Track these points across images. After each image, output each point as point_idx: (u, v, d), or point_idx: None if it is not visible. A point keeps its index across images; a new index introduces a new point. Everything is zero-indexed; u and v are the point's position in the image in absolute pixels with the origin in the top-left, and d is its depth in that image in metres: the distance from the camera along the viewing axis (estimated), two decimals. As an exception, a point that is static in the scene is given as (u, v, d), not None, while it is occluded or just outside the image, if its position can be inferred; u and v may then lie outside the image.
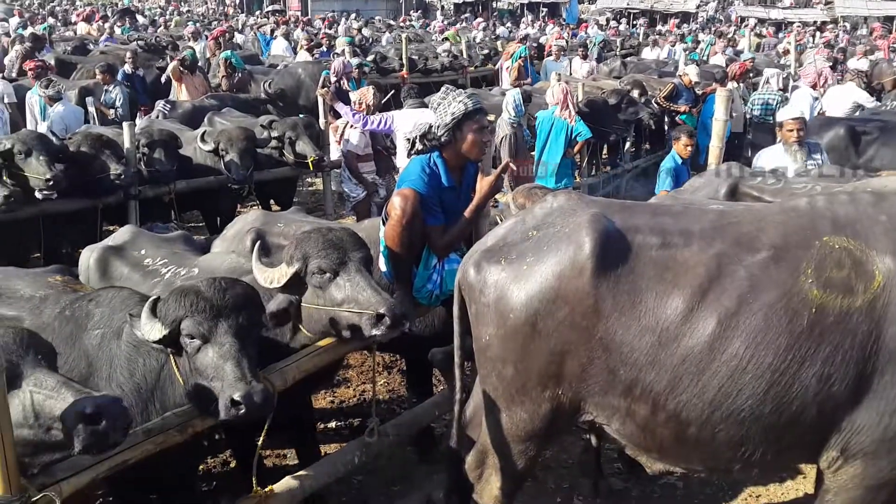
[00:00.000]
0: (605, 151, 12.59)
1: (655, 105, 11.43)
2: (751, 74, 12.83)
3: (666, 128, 11.78)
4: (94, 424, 2.45)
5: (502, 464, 3.39)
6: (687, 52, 15.98)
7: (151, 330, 3.21)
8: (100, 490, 4.26)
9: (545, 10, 42.38)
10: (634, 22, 38.05)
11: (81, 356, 3.56)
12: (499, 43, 20.50)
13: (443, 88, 4.41)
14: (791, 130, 6.39)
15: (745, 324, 2.83)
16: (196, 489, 4.63)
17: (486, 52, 18.10)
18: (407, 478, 4.98)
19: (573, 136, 8.94)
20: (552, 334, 3.01)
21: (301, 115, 9.36)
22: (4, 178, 6.38)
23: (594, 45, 20.75)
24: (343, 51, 14.69)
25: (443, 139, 4.24)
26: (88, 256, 4.84)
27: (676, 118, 11.43)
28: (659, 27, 32.59)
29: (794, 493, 4.61)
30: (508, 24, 33.79)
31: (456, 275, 3.48)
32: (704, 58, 17.80)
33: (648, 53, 19.79)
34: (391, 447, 4.74)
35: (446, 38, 19.90)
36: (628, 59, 18.25)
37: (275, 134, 8.36)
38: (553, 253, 3.03)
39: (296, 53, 17.44)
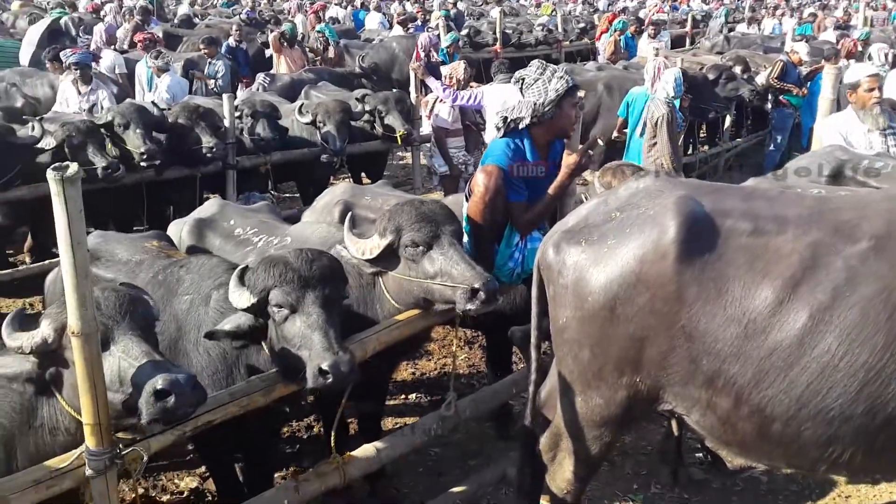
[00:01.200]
0: (703, 130, 12.14)
1: (763, 83, 10.85)
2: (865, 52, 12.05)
3: (769, 107, 11.22)
4: (163, 399, 2.55)
5: (576, 448, 3.34)
6: (794, 28, 15.11)
7: (240, 298, 3.31)
8: (188, 446, 4.49)
9: (646, -18, 40.89)
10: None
11: (171, 319, 3.72)
12: (596, 16, 19.99)
13: (536, 64, 4.33)
14: (870, 90, 5.60)
15: (840, 318, 2.67)
16: (279, 451, 4.80)
17: (581, 25, 17.68)
18: (483, 453, 5.02)
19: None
20: (631, 319, 2.93)
21: (394, 90, 9.42)
22: (108, 148, 6.70)
23: (719, 19, 19.73)
24: (437, 25, 14.65)
25: (548, 115, 4.21)
26: (178, 229, 5.02)
27: (780, 97, 10.87)
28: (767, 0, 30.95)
29: (888, 495, 4.38)
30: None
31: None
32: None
33: (744, 29, 18.78)
34: (468, 422, 4.77)
35: (552, 12, 19.25)
36: (732, 34, 17.45)
37: (367, 108, 8.46)
38: (636, 236, 2.94)
39: (391, 27, 17.54)
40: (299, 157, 8.18)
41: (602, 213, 3.14)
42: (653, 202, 3.02)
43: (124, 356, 2.68)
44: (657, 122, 8.14)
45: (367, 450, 3.88)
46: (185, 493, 4.66)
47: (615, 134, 9.49)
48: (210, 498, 4.57)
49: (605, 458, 3.53)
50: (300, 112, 8.17)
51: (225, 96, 7.64)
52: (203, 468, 4.68)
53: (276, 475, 4.38)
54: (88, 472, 2.65)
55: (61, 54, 9.62)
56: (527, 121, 4.21)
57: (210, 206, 5.25)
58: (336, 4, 22.77)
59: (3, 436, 2.83)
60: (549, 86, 4.16)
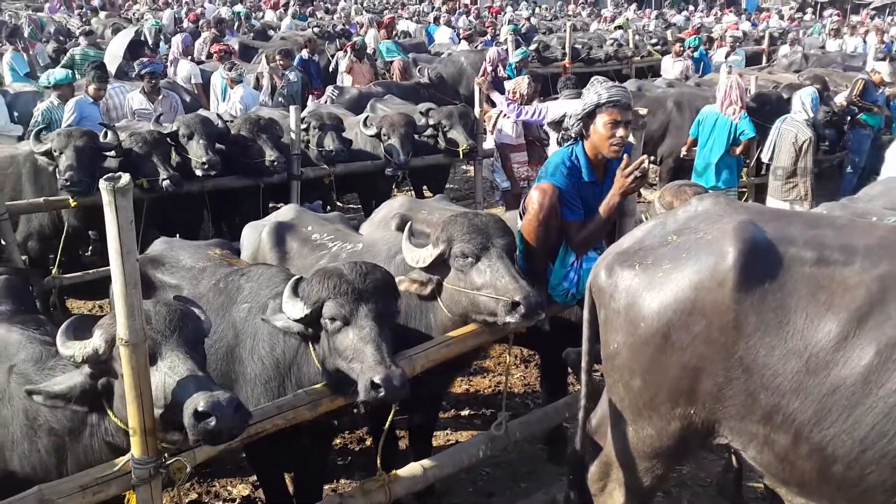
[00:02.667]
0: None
1: (843, 104, 10.38)
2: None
3: (846, 128, 10.75)
4: (205, 421, 2.51)
5: (626, 478, 3.23)
6: (877, 46, 14.49)
7: (293, 309, 3.32)
8: (242, 454, 4.54)
9: (723, -2, 40.03)
10: (823, 13, 35.11)
11: (229, 327, 3.77)
12: (669, 32, 19.62)
13: (592, 79, 4.26)
14: None
15: (910, 356, 2.51)
16: (329, 463, 4.81)
17: (653, 41, 17.38)
18: (534, 475, 4.92)
19: (737, 135, 8.30)
20: (686, 348, 2.81)
21: (459, 104, 9.42)
22: (173, 157, 6.87)
23: (815, 35, 19.06)
24: (506, 39, 14.64)
25: (573, 130, 4.12)
26: (252, 231, 5.13)
27: (858, 117, 10.40)
28: (851, 18, 29.90)
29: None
30: (685, 13, 32.28)
31: None
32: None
33: (786, 51, 18.04)
34: (520, 443, 4.69)
35: (619, 27, 18.97)
36: (811, 51, 16.86)
37: (431, 121, 8.48)
38: (692, 261, 2.83)
39: (461, 42, 17.61)
40: (362, 169, 8.24)
41: (658, 235, 3.04)
42: (712, 226, 2.90)
43: (170, 373, 2.67)
44: (803, 145, 7.66)
45: (413, 468, 3.85)
46: (238, 501, 4.72)
47: (684, 152, 9.27)
48: (259, 506, 4.61)
49: (656, 490, 3.41)
50: (365, 124, 8.26)
51: (292, 108, 7.75)
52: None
53: (326, 487, 4.39)
54: (133, 479, 2.69)
55: (135, 64, 9.91)
56: (560, 132, 4.15)
57: (288, 211, 5.36)
58: (407, 19, 23.02)
59: (56, 441, 2.89)
60: (584, 99, 4.09)
